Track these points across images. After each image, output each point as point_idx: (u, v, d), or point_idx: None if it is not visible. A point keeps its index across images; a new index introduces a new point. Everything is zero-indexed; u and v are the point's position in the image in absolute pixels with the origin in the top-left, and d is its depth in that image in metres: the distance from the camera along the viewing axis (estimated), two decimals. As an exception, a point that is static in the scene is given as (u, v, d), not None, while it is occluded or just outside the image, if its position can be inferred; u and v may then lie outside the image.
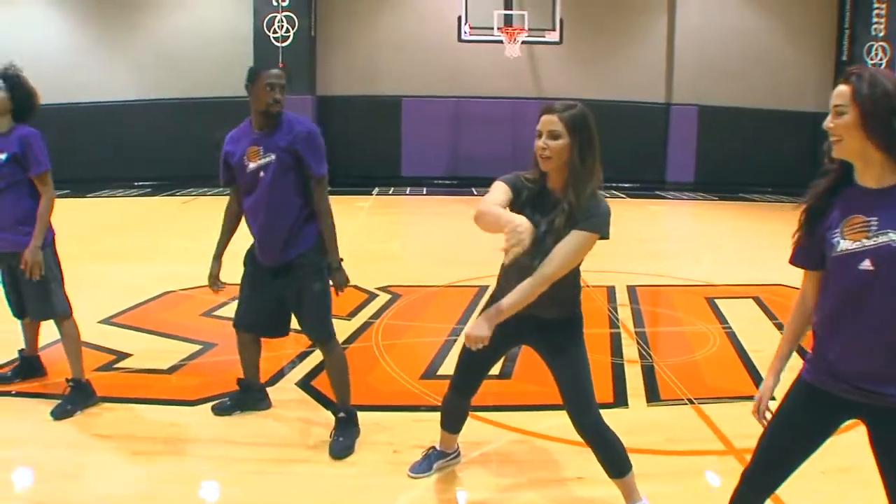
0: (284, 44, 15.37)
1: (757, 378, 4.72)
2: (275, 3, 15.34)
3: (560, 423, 3.86)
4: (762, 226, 12.06)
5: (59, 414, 3.93)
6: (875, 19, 16.53)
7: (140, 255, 8.52)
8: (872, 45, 16.57)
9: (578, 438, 2.93)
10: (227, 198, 3.96)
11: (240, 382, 4.10)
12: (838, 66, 17.07)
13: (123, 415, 4.03)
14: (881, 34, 16.55)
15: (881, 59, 16.55)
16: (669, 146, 16.88)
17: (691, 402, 4.30)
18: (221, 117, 16.15)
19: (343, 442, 3.64)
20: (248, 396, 4.08)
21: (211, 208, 13.16)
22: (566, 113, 2.59)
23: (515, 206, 2.68)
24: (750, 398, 4.38)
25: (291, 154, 3.60)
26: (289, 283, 3.68)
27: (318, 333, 3.76)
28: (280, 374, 4.63)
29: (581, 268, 2.76)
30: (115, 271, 7.59)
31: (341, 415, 3.74)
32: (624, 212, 13.03)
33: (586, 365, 2.86)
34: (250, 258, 3.82)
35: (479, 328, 2.59)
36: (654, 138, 16.92)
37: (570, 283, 2.75)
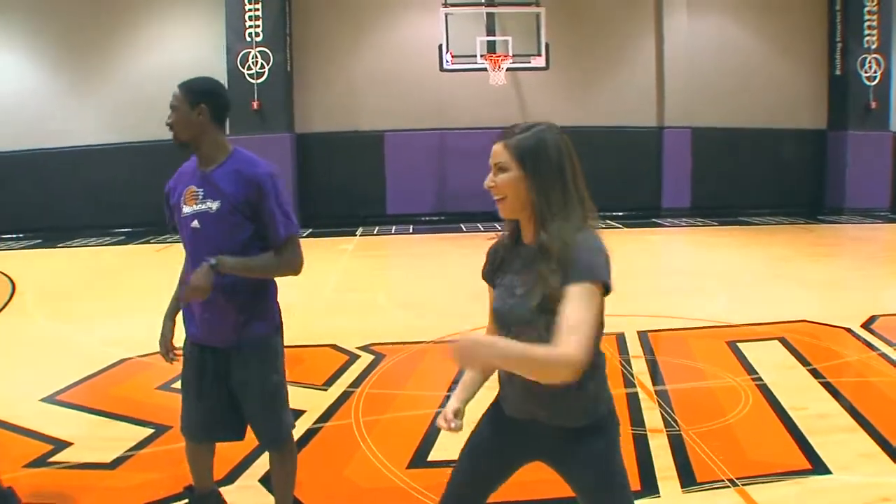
0: (259, 80, 14.75)
1: (804, 445, 4.01)
2: (248, 39, 14.76)
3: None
4: (769, 251, 11.43)
5: None
6: (867, 31, 16.13)
7: (102, 313, 7.79)
8: (865, 58, 16.15)
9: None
10: None
11: (189, 492, 3.28)
12: (832, 81, 16.66)
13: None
14: (874, 46, 16.16)
15: (875, 72, 16.14)
16: (664, 171, 16.31)
17: (734, 483, 3.58)
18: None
19: None
20: None
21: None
22: (514, 139, 2.01)
23: (493, 275, 2.15)
24: (802, 473, 3.76)
25: (242, 203, 2.82)
26: (237, 371, 2.91)
27: (274, 434, 3.00)
28: (241, 467, 3.87)
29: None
30: (71, 334, 6.90)
31: None
32: (621, 244, 12.39)
33: (624, 490, 2.12)
34: (188, 340, 3.02)
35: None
36: (647, 163, 16.35)
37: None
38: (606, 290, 1.90)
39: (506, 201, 2.02)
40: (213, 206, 2.82)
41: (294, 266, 2.91)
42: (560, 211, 1.96)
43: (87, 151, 15.38)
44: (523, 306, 1.96)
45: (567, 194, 1.98)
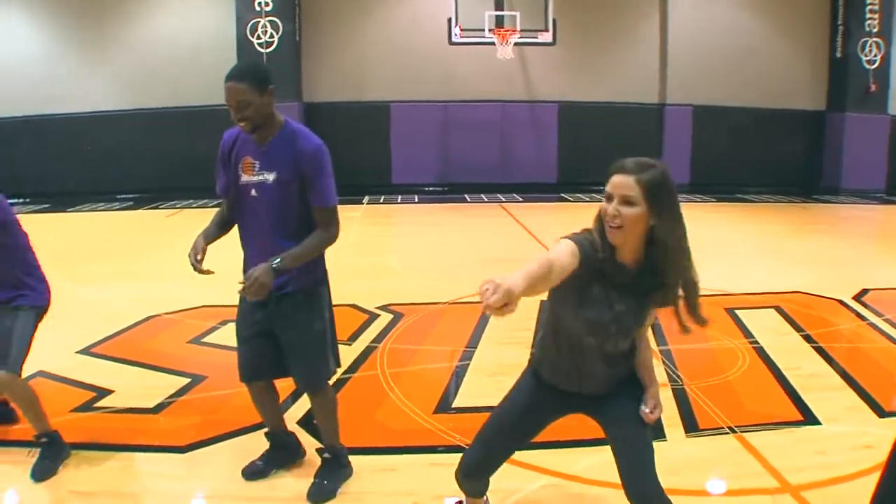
0: (269, 49, 14.94)
1: (797, 400, 4.36)
2: (258, 8, 14.93)
3: (598, 461, 3.48)
4: (766, 227, 11.75)
5: (41, 474, 3.40)
6: (868, 15, 16.34)
7: (122, 275, 8.03)
8: (866, 42, 16.38)
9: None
10: (215, 209, 3.36)
11: (269, 436, 3.51)
12: (832, 63, 16.89)
13: (106, 466, 3.56)
14: (875, 30, 16.38)
15: (875, 55, 16.37)
16: (664, 147, 16.57)
17: (733, 430, 3.92)
18: (205, 127, 15.90)
19: (325, 486, 3.26)
20: (283, 452, 3.52)
21: (196, 220, 12.70)
22: (644, 175, 2.15)
23: (581, 277, 2.20)
24: (795, 424, 4.09)
25: (294, 174, 2.98)
26: (278, 317, 3.11)
27: (312, 380, 3.27)
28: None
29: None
30: (94, 294, 7.12)
31: (326, 455, 3.36)
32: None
33: (648, 428, 2.47)
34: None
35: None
36: (648, 140, 16.59)
37: (628, 354, 2.44)
38: None
39: (622, 231, 2.17)
40: (271, 176, 2.99)
41: (335, 237, 3.13)
42: (679, 247, 2.21)
43: (94, 117, 15.54)
44: (627, 322, 2.29)
45: (685, 233, 2.23)
